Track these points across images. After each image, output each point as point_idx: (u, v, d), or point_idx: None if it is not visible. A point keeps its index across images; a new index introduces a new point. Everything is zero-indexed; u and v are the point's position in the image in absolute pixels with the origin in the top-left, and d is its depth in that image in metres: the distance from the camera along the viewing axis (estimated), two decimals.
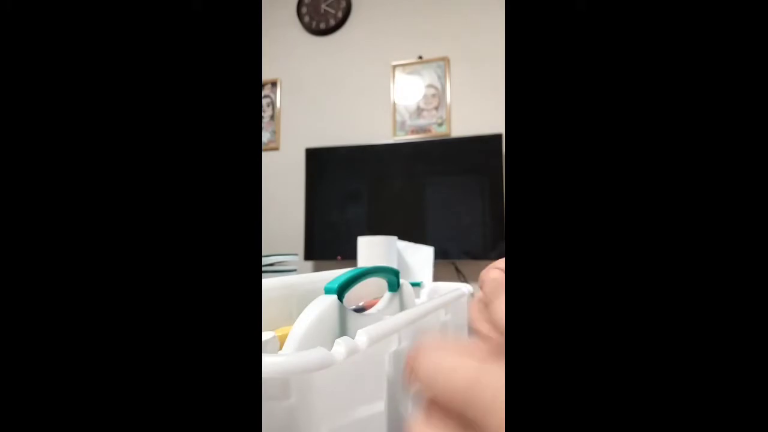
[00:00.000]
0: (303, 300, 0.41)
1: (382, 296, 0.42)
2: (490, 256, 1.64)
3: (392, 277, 0.41)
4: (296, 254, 1.05)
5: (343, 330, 0.30)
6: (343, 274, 0.34)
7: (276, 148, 2.10)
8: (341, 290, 0.31)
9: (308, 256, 1.85)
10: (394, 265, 0.84)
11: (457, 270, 1.72)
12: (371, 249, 0.84)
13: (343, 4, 2.04)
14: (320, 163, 1.89)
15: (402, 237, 0.94)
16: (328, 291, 0.31)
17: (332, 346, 0.21)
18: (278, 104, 2.12)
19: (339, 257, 1.79)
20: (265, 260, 0.94)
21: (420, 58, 1.93)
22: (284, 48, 2.13)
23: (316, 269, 1.95)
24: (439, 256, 1.34)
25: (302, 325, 0.27)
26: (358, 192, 1.84)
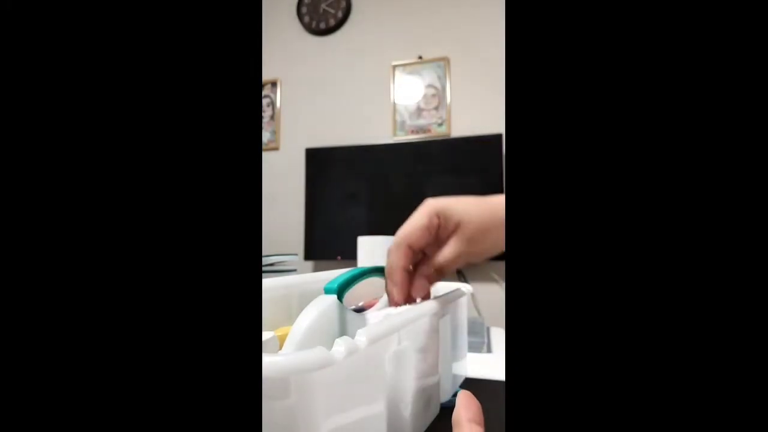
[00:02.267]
0: (303, 300, 0.40)
1: (381, 296, 0.42)
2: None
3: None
4: (296, 254, 1.05)
5: (342, 330, 0.30)
6: (343, 274, 0.33)
7: (276, 148, 2.10)
8: (341, 290, 0.31)
9: (308, 256, 1.84)
10: None
11: (457, 270, 1.72)
12: (371, 249, 0.84)
13: (343, 4, 2.04)
14: (320, 163, 1.89)
15: None
16: (327, 291, 0.31)
17: (332, 346, 0.21)
18: (278, 104, 2.12)
19: (339, 257, 1.79)
20: (265, 260, 0.94)
21: (420, 58, 1.93)
22: (284, 48, 2.13)
23: (316, 269, 1.95)
24: None
25: (302, 324, 0.27)
26: (358, 192, 1.84)
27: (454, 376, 0.49)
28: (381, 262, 0.90)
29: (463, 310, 0.53)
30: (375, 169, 1.82)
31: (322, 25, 2.07)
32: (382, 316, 0.33)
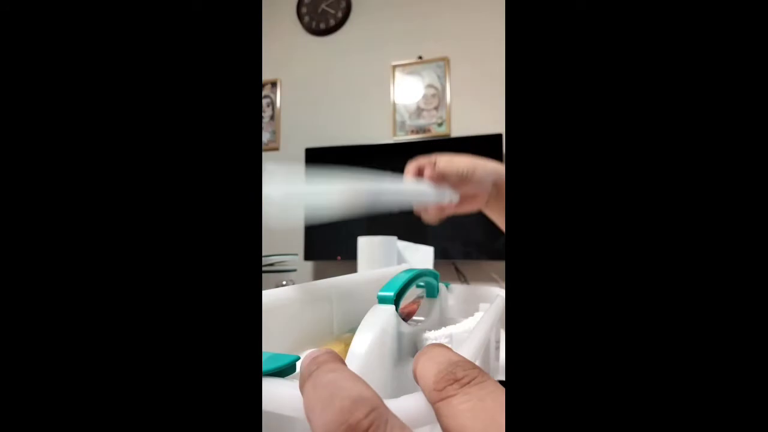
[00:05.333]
0: (342, 308, 0.36)
1: (416, 297, 0.38)
2: (490, 256, 1.64)
3: (432, 281, 0.36)
4: (296, 254, 1.05)
5: (399, 345, 0.27)
6: (396, 279, 0.29)
7: (276, 148, 2.10)
8: (398, 299, 0.27)
9: (308, 256, 1.84)
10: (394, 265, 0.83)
11: (457, 270, 1.72)
12: (371, 249, 0.84)
13: (343, 4, 2.04)
14: (320, 163, 1.89)
15: (402, 237, 0.94)
16: (383, 300, 0.27)
17: (391, 366, 0.18)
18: (278, 104, 2.12)
19: (339, 257, 1.79)
20: (265, 260, 0.94)
21: (420, 58, 1.93)
22: (284, 48, 2.13)
23: (316, 269, 1.95)
24: (439, 256, 1.34)
25: (364, 345, 0.23)
26: None
27: None
28: (381, 262, 0.89)
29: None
30: (375, 169, 1.82)
31: (322, 25, 2.07)
32: (441, 335, 0.30)
